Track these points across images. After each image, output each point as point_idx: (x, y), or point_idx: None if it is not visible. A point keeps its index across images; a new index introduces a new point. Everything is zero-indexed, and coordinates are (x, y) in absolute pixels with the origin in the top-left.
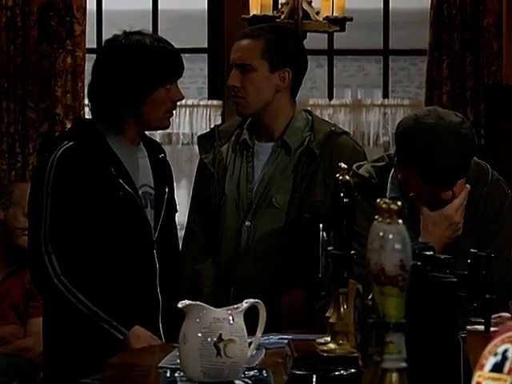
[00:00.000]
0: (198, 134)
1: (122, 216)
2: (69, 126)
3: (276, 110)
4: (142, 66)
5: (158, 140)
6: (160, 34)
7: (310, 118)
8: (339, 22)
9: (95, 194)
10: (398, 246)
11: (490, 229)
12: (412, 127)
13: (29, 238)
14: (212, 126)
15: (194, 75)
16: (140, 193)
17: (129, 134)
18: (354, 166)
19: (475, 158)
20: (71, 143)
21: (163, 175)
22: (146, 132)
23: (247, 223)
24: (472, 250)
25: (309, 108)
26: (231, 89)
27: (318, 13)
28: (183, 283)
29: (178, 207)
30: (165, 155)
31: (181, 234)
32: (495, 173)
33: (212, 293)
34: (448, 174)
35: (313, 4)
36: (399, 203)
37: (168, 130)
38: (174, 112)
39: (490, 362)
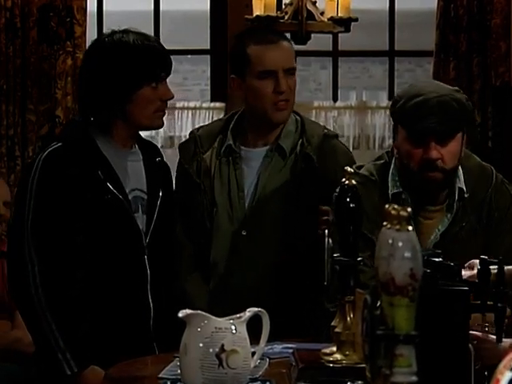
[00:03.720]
0: None
1: (109, 220)
2: None
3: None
4: (123, 64)
5: (160, 143)
6: (162, 35)
7: (299, 119)
8: (344, 23)
9: (80, 197)
10: (407, 255)
11: (496, 232)
12: (405, 88)
13: (10, 239)
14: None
15: (197, 77)
16: (130, 197)
17: (118, 135)
18: (354, 166)
19: (480, 160)
20: (58, 144)
21: (159, 179)
22: (148, 135)
23: (243, 232)
24: (482, 257)
25: (313, 111)
26: (278, 95)
27: (322, 13)
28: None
29: None
30: (162, 158)
31: None
32: (499, 175)
33: (208, 307)
34: (429, 125)
35: (317, 4)
36: (409, 209)
37: (170, 133)
38: (177, 113)
39: (506, 377)
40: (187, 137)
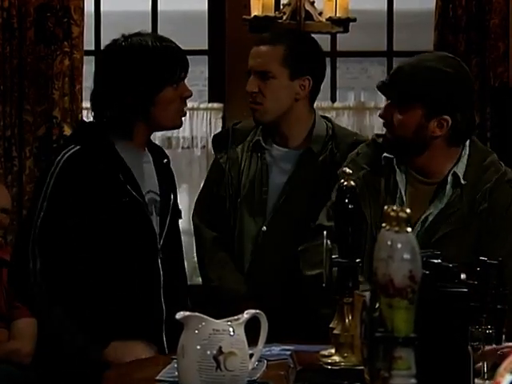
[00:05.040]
0: (198, 137)
1: (127, 223)
2: (66, 129)
3: (294, 119)
4: (146, 67)
5: (157, 144)
6: None
7: (331, 125)
8: (342, 23)
9: (100, 201)
10: (407, 256)
11: (495, 230)
12: None
13: (17, 239)
14: (226, 127)
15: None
16: (146, 199)
17: (138, 137)
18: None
19: (498, 160)
20: (78, 147)
21: (168, 181)
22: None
23: (263, 228)
24: (481, 258)
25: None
26: (249, 95)
27: (320, 13)
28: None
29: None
30: (168, 160)
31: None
32: (510, 175)
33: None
34: (377, 84)
35: (315, 4)
36: (408, 210)
37: (168, 134)
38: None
39: (507, 379)
40: (185, 138)
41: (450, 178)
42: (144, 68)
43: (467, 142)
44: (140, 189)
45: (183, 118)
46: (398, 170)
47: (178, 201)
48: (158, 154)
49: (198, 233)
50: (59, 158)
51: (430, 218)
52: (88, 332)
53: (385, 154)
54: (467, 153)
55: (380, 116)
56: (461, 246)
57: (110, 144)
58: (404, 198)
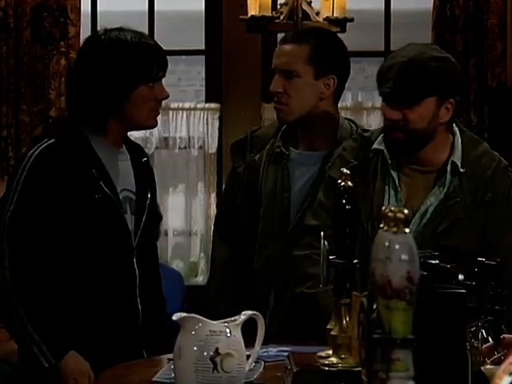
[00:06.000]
0: (195, 137)
1: (100, 220)
2: None
3: (319, 118)
4: (122, 62)
5: (154, 144)
6: (156, 35)
7: (355, 127)
8: (339, 23)
9: (72, 195)
10: (404, 257)
11: (498, 218)
12: None
13: None
14: (246, 132)
15: (191, 77)
16: (121, 197)
17: (112, 134)
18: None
19: (487, 146)
20: (51, 141)
21: (146, 180)
22: (143, 136)
23: (287, 233)
24: (480, 259)
25: None
26: (274, 94)
27: (317, 13)
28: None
29: (173, 213)
30: (148, 159)
31: (176, 240)
32: (505, 162)
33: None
34: (384, 90)
35: (312, 4)
36: (406, 211)
37: (164, 134)
38: (171, 114)
39: (505, 381)
40: (182, 138)
41: (449, 167)
42: (119, 63)
43: (457, 131)
44: (114, 186)
45: (171, 122)
46: (389, 161)
47: (172, 201)
48: (137, 152)
49: (212, 247)
50: (32, 151)
51: (431, 210)
52: (47, 339)
53: (374, 147)
54: (460, 141)
55: (389, 118)
56: (466, 235)
57: (85, 139)
58: (399, 189)
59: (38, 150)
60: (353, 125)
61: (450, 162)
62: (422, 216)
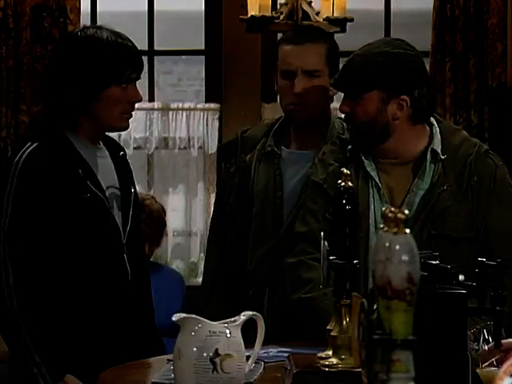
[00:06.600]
0: (195, 138)
1: (91, 219)
2: None
3: (325, 117)
4: (93, 60)
5: (154, 144)
6: (156, 35)
7: (346, 126)
8: (340, 23)
9: (62, 198)
10: (405, 258)
11: (485, 200)
12: None
13: None
14: (237, 133)
15: (191, 78)
16: (107, 194)
17: (83, 132)
18: None
19: (466, 133)
20: (35, 144)
21: (127, 175)
22: (142, 136)
23: (281, 232)
24: (480, 259)
25: None
26: (293, 95)
27: (317, 13)
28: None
29: (173, 213)
30: (125, 153)
31: (176, 240)
32: (485, 146)
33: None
34: (333, 81)
35: (313, 4)
36: (406, 211)
37: (164, 134)
38: (171, 114)
39: (506, 382)
40: (182, 138)
41: (428, 155)
42: (91, 61)
43: (435, 121)
44: (100, 184)
45: (171, 122)
46: (365, 160)
47: (172, 201)
48: (114, 147)
49: (206, 249)
50: (17, 158)
51: (417, 200)
52: (47, 361)
53: (349, 147)
54: (438, 131)
55: (340, 111)
56: (457, 222)
57: (66, 139)
58: (380, 185)
59: (23, 156)
60: (344, 124)
61: (429, 149)
62: (410, 207)
